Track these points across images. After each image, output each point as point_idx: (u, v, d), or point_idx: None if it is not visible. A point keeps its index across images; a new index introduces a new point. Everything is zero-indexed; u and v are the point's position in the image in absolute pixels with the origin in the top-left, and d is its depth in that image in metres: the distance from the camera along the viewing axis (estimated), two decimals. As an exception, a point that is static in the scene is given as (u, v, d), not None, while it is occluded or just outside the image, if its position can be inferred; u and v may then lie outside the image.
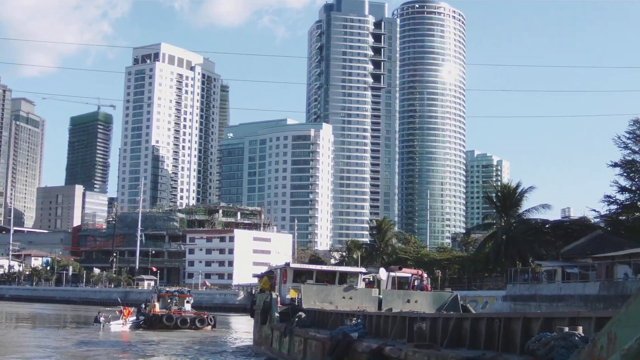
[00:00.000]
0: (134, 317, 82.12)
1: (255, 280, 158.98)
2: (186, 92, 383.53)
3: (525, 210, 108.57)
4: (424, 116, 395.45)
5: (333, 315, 35.43)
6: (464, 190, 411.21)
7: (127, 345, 59.73)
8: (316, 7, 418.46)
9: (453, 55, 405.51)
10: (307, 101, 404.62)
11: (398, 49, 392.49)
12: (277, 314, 43.63)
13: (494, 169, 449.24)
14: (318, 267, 55.31)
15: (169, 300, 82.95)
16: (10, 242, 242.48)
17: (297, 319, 38.16)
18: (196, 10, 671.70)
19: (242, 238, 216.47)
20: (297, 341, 36.67)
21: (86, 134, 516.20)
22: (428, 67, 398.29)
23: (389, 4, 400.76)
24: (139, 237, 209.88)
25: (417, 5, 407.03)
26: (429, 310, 39.08)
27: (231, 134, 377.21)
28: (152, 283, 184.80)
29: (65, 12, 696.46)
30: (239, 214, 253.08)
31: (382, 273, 48.60)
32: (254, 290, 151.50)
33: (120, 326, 78.57)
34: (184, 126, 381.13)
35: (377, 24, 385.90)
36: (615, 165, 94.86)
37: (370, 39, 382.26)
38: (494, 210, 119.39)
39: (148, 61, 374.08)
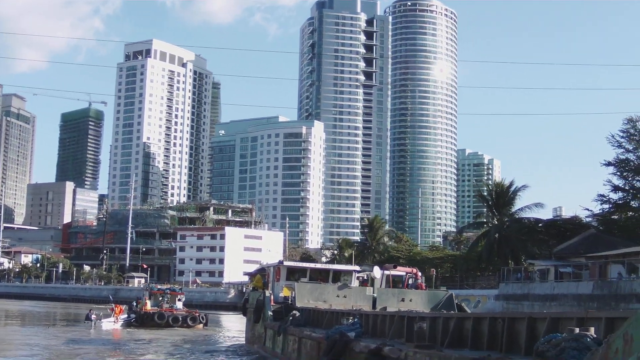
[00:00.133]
0: (126, 315, 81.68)
1: (246, 279, 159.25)
2: (177, 88, 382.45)
3: (519, 209, 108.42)
4: (415, 114, 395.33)
5: (328, 314, 35.01)
6: (455, 189, 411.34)
7: (119, 343, 59.27)
8: (308, 4, 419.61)
9: (445, 53, 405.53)
10: (298, 98, 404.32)
11: (390, 46, 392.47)
12: (270, 313, 43.24)
13: (485, 167, 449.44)
14: (312, 265, 55.01)
15: (160, 298, 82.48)
16: (0, 238, 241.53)
17: (291, 318, 37.72)
18: (188, 7, 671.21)
19: (233, 236, 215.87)
20: (291, 340, 36.24)
21: (77, 130, 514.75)
22: (420, 65, 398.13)
23: (381, 2, 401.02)
24: (129, 234, 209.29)
25: (409, 3, 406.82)
26: (424, 309, 38.72)
27: (222, 131, 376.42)
28: (143, 281, 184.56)
29: (56, 8, 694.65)
30: (230, 211, 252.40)
31: (376, 271, 48.24)
32: (244, 289, 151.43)
33: (112, 324, 78.16)
34: (175, 123, 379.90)
35: (369, 22, 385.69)
36: (608, 164, 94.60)
37: (362, 37, 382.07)
38: (486, 209, 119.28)
39: (139, 57, 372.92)
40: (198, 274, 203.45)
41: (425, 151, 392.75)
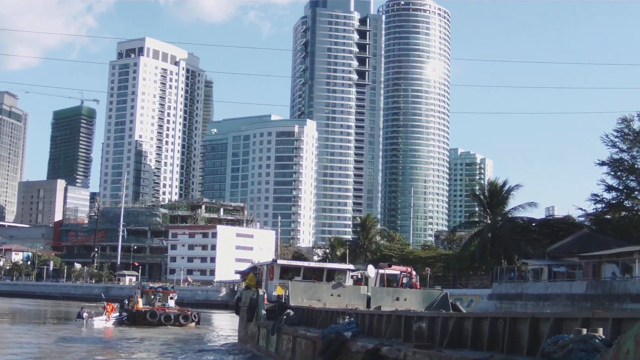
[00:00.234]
0: (117, 314, 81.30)
1: (238, 277, 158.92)
2: (170, 87, 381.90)
3: (512, 209, 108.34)
4: (408, 113, 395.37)
5: (323, 313, 34.66)
6: (447, 188, 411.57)
7: (111, 342, 58.88)
8: (302, 3, 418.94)
9: (438, 52, 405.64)
10: (291, 97, 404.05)
11: (383, 45, 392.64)
12: (263, 312, 42.87)
13: (477, 167, 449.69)
14: (305, 263, 54.75)
15: (152, 297, 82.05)
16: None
17: (285, 317, 37.36)
18: (181, 5, 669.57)
19: (225, 234, 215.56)
20: (285, 339, 35.92)
21: (69, 128, 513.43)
22: (413, 65, 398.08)
23: (374, 1, 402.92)
24: (121, 232, 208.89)
25: (402, 3, 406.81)
26: (419, 308, 38.39)
27: (215, 130, 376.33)
28: (134, 279, 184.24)
29: (50, 6, 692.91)
30: (221, 209, 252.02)
31: (371, 270, 47.82)
32: (236, 287, 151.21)
33: (104, 322, 77.79)
34: (168, 121, 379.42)
35: (363, 21, 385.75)
36: (602, 163, 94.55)
37: (356, 36, 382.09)
38: (479, 208, 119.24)
39: (132, 55, 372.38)
40: (189, 272, 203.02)
41: (417, 150, 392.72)
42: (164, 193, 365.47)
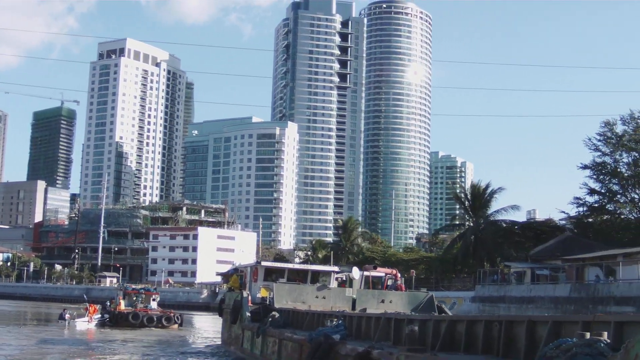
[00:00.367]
0: (99, 315, 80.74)
1: (219, 279, 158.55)
2: (151, 88, 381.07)
3: (495, 211, 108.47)
4: (389, 116, 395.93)
5: (309, 316, 34.31)
6: (428, 191, 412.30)
7: (94, 343, 58.37)
8: (283, 5, 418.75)
9: (419, 55, 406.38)
10: (272, 99, 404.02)
11: (365, 48, 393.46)
12: (248, 314, 42.46)
13: (458, 170, 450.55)
14: (290, 265, 54.49)
15: (134, 298, 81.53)
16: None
17: (270, 319, 36.95)
18: (162, 6, 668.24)
19: (206, 236, 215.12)
20: (271, 342, 35.51)
21: (49, 129, 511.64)
22: (394, 67, 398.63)
23: (356, 4, 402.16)
24: (101, 233, 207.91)
25: (384, 5, 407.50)
26: (404, 310, 38.18)
27: (196, 131, 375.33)
28: (115, 280, 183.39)
29: (30, 5, 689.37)
30: (202, 211, 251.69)
31: (355, 272, 47.46)
32: (217, 289, 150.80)
33: (86, 324, 77.20)
34: (149, 122, 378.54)
35: (344, 23, 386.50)
36: (585, 167, 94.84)
37: (337, 38, 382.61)
38: (461, 211, 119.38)
39: (113, 56, 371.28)
40: (170, 274, 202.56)
41: (398, 153, 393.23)
42: (144, 194, 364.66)
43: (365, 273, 49.07)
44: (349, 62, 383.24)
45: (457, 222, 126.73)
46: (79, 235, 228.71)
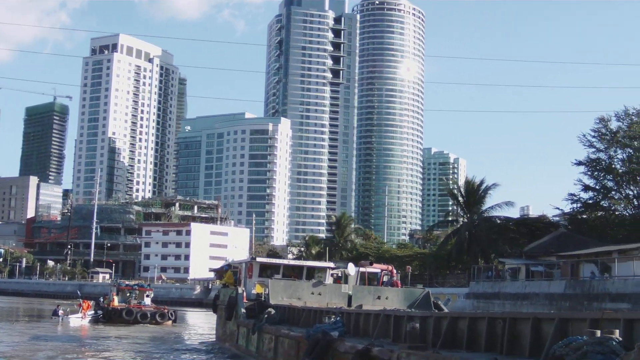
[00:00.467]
0: (93, 311, 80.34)
1: (212, 275, 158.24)
2: (144, 83, 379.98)
3: (489, 208, 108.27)
4: (382, 112, 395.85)
5: (306, 312, 34.03)
6: (421, 188, 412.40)
7: (87, 340, 57.99)
8: (276, 1, 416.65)
9: (412, 52, 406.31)
10: (265, 95, 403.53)
11: (357, 44, 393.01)
12: (243, 310, 42.16)
13: (451, 166, 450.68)
14: (285, 261, 54.33)
15: (128, 294, 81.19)
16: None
17: (266, 316, 36.64)
18: (155, 2, 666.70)
19: (199, 232, 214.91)
20: (267, 339, 35.21)
21: (41, 124, 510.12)
22: (387, 64, 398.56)
23: (349, 0, 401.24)
24: (94, 229, 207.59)
25: (377, 2, 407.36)
26: (400, 306, 37.88)
27: (188, 127, 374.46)
28: (107, 276, 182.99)
29: (22, 1, 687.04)
30: (195, 207, 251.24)
31: (351, 268, 47.18)
32: (210, 285, 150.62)
33: (80, 320, 76.85)
34: (141, 118, 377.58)
35: (337, 20, 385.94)
36: (579, 163, 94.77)
37: (330, 34, 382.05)
38: (456, 207, 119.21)
39: (106, 52, 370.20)
40: (163, 270, 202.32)
41: (391, 149, 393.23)
42: (137, 190, 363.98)
43: (361, 269, 48.84)
44: (341, 58, 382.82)
45: (451, 219, 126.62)
46: (71, 231, 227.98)
